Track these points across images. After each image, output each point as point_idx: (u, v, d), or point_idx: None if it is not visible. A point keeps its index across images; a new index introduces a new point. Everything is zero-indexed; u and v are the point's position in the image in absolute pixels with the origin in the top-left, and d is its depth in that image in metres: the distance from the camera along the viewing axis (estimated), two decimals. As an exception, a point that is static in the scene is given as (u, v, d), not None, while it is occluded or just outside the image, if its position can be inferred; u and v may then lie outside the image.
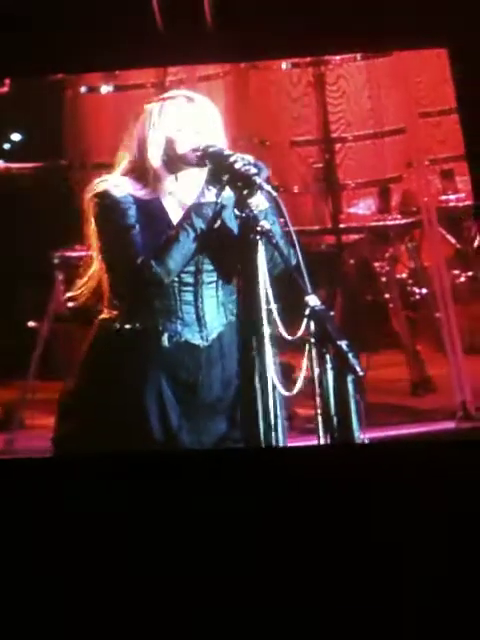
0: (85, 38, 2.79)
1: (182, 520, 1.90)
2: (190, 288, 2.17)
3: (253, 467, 2.00)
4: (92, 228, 2.19)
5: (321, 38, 2.86)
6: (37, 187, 3.82)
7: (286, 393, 2.12)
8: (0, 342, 3.71)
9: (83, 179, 2.33)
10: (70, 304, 2.30)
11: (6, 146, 3.96)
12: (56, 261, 3.55)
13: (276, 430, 2.10)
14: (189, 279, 2.17)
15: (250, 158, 2.17)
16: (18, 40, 2.80)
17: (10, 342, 3.70)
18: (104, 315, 2.19)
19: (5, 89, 3.82)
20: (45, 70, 3.21)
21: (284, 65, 3.79)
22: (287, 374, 2.24)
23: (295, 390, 2.11)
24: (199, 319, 2.17)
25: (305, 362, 2.09)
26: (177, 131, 2.19)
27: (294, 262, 2.14)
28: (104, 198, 2.16)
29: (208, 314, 2.18)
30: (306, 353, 2.10)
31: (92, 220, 2.18)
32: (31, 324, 3.70)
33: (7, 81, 3.81)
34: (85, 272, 2.23)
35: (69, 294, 2.30)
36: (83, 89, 3.82)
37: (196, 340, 2.17)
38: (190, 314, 2.16)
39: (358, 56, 3.78)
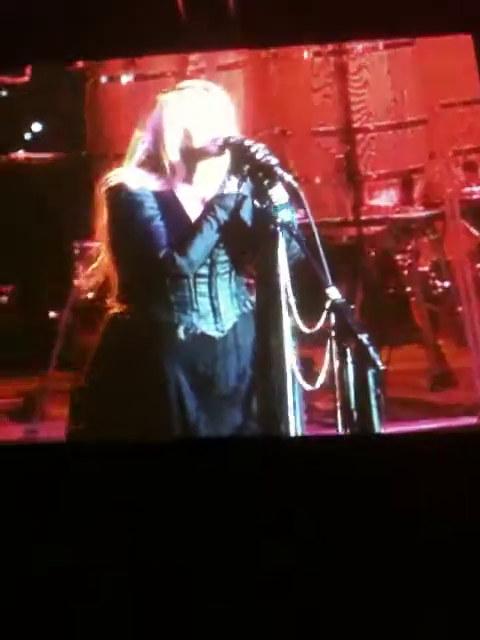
0: (106, 25, 2.78)
1: (198, 510, 1.89)
2: (205, 279, 2.15)
3: (270, 456, 1.99)
4: (104, 221, 2.18)
5: (343, 24, 2.82)
6: (57, 177, 3.82)
7: (308, 387, 2.10)
8: (21, 333, 3.73)
9: (103, 169, 2.31)
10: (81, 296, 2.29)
11: (27, 136, 3.97)
12: (76, 252, 3.55)
13: (295, 423, 2.09)
14: (204, 270, 2.15)
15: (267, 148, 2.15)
16: (38, 28, 2.79)
17: (31, 333, 3.71)
18: (115, 309, 2.18)
19: (25, 78, 3.81)
20: (66, 57, 3.20)
21: (305, 54, 3.75)
22: (307, 368, 2.22)
23: (317, 384, 2.10)
24: (214, 310, 2.16)
25: (326, 355, 2.07)
26: (193, 122, 2.17)
27: (314, 254, 2.12)
28: (120, 191, 2.15)
29: (222, 305, 2.17)
30: (327, 346, 2.08)
31: (106, 213, 2.17)
32: (52, 315, 3.71)
33: (27, 70, 3.80)
34: (90, 266, 2.21)
35: (76, 285, 2.29)
36: (103, 79, 3.80)
37: (211, 331, 2.16)
38: (205, 306, 2.15)
39: (380, 45, 3.73)
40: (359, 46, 3.70)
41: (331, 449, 2.01)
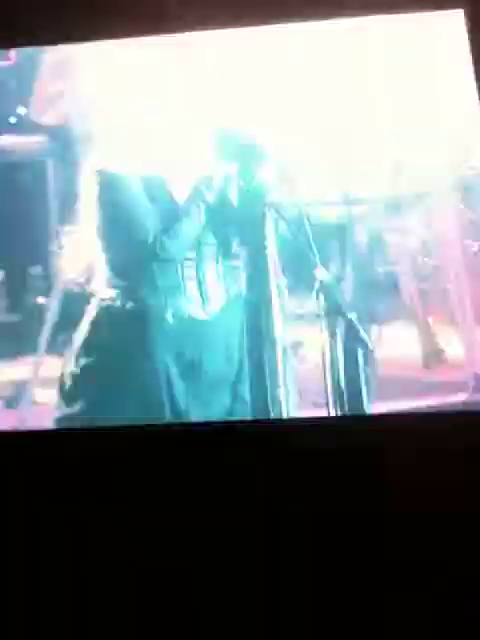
0: (92, 7, 2.75)
1: (190, 494, 1.90)
2: (192, 263, 2.16)
3: (262, 439, 1.99)
4: (91, 206, 2.17)
5: (335, 2, 2.79)
6: (43, 161, 3.79)
7: (299, 367, 2.10)
8: (8, 319, 3.71)
9: (89, 153, 2.29)
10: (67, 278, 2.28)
11: (12, 120, 3.93)
12: (63, 236, 3.53)
13: (287, 404, 2.09)
14: (191, 254, 2.16)
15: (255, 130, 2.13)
16: (22, 11, 2.75)
17: (18, 318, 3.70)
18: (102, 294, 2.18)
19: (11, 62, 3.77)
20: (52, 40, 3.17)
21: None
22: (297, 349, 2.23)
23: (308, 364, 2.10)
24: (202, 294, 2.17)
25: (316, 336, 2.07)
26: (181, 104, 2.16)
27: (302, 234, 2.11)
28: (107, 174, 2.14)
29: (210, 288, 2.18)
30: (317, 327, 2.08)
31: (93, 197, 2.16)
32: (40, 300, 3.69)
33: (12, 54, 3.75)
34: (77, 250, 2.20)
35: (63, 269, 2.29)
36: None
37: (199, 315, 2.16)
38: (192, 289, 2.17)
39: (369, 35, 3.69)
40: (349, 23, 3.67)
41: (323, 430, 2.02)
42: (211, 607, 1.79)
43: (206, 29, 3.39)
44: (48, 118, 3.76)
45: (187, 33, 3.43)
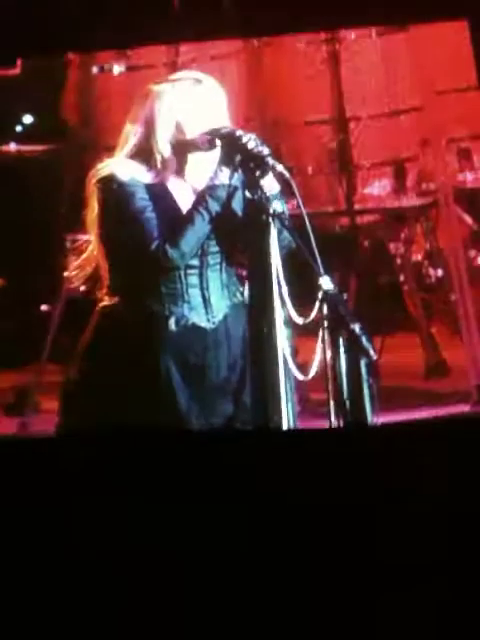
0: (98, 16, 2.76)
1: (190, 501, 1.89)
2: (195, 271, 2.15)
3: (263, 449, 1.99)
4: (95, 213, 2.17)
5: (336, 12, 2.80)
6: (48, 169, 3.81)
7: (301, 377, 2.10)
8: (13, 326, 3.72)
9: (94, 160, 2.31)
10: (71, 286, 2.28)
11: (18, 128, 3.95)
12: (68, 244, 3.55)
13: (287, 413, 2.09)
14: (195, 262, 2.15)
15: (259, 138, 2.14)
16: (30, 20, 2.77)
17: (23, 326, 3.71)
18: (105, 302, 2.17)
19: (17, 71, 3.79)
20: (58, 48, 3.18)
21: (298, 43, 3.73)
22: (298, 358, 2.22)
23: (310, 374, 2.09)
24: (205, 301, 2.16)
25: (319, 345, 2.07)
26: (186, 114, 2.16)
27: (306, 244, 2.11)
28: (111, 182, 2.14)
29: (213, 296, 2.17)
30: (319, 336, 2.08)
31: (96, 205, 2.16)
32: (44, 308, 3.70)
33: (18, 62, 3.78)
34: (80, 258, 2.21)
35: (67, 276, 2.29)
36: (94, 69, 3.79)
37: (203, 323, 2.16)
38: (196, 297, 2.15)
39: (373, 33, 3.71)
40: (352, 34, 3.69)
41: (324, 441, 2.01)
42: (211, 613, 1.79)
43: (213, 39, 3.41)
44: (64, 125, 3.78)
45: (197, 41, 3.46)
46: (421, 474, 1.95)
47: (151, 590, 1.81)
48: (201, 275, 2.15)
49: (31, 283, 3.81)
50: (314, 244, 2.09)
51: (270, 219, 2.11)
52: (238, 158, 2.13)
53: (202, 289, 2.16)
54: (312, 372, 2.10)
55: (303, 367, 2.14)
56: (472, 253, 3.79)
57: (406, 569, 1.87)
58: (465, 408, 3.31)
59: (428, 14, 2.89)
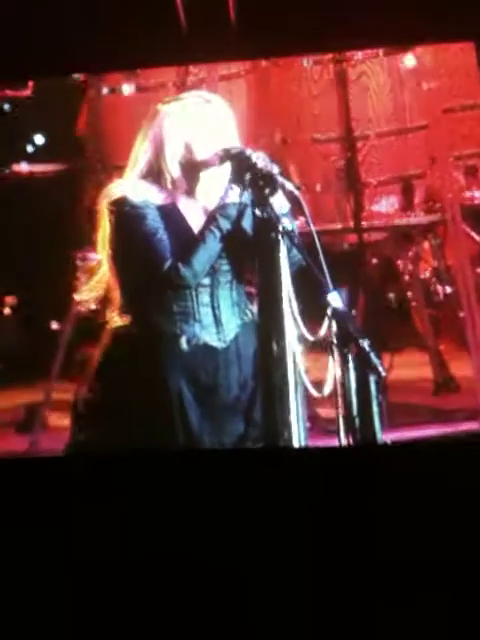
0: (107, 38, 2.80)
1: (201, 520, 1.89)
2: (206, 289, 2.16)
3: (275, 467, 1.99)
4: (107, 235, 2.18)
5: (344, 34, 2.84)
6: (59, 189, 3.84)
7: (317, 394, 2.10)
8: (23, 343, 3.74)
9: (104, 181, 2.33)
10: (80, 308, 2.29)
11: (29, 149, 3.99)
12: (78, 263, 3.57)
13: (298, 431, 2.09)
14: (206, 280, 2.16)
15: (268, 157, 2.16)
16: (40, 42, 2.81)
17: (33, 344, 3.72)
18: (117, 322, 2.18)
19: (28, 92, 3.84)
20: (68, 70, 3.23)
21: (305, 62, 3.76)
22: (307, 375, 2.22)
23: (325, 391, 2.09)
24: (216, 320, 2.17)
25: (330, 362, 2.07)
26: (195, 133, 2.18)
27: (315, 261, 2.12)
28: (122, 204, 2.15)
29: (224, 315, 2.18)
30: (329, 353, 2.08)
31: (108, 227, 2.17)
32: (54, 326, 3.72)
33: (30, 84, 3.83)
34: (91, 279, 2.22)
35: (77, 298, 2.30)
36: (105, 90, 3.82)
37: (214, 342, 2.17)
38: (207, 316, 2.16)
39: (380, 52, 3.74)
40: (359, 53, 3.72)
41: (335, 459, 2.01)
42: (223, 632, 1.78)
43: (221, 61, 3.45)
44: (75, 146, 3.82)
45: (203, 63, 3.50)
46: (430, 492, 1.95)
47: (163, 606, 1.81)
48: (212, 294, 2.16)
49: (41, 301, 3.84)
50: (323, 261, 2.10)
51: (280, 236, 2.12)
52: (248, 177, 2.14)
53: (213, 308, 2.17)
54: (327, 389, 2.10)
55: (314, 384, 2.14)
56: (479, 270, 3.80)
57: (414, 585, 1.87)
58: (474, 425, 3.30)
59: (435, 36, 2.93)
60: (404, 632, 1.82)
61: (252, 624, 1.79)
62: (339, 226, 3.77)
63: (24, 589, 1.86)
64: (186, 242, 2.15)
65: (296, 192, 2.14)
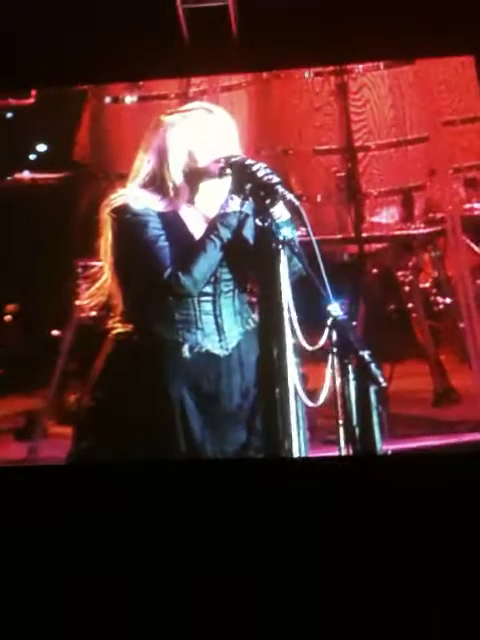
0: (111, 49, 2.82)
1: (203, 529, 1.89)
2: (209, 298, 2.17)
3: (275, 477, 1.99)
4: (108, 242, 2.19)
5: (345, 47, 2.86)
6: (62, 197, 3.85)
7: (311, 404, 2.11)
8: (24, 351, 3.74)
9: (107, 190, 2.34)
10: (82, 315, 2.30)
11: (32, 157, 4.00)
12: (79, 270, 3.58)
13: (298, 440, 2.09)
14: (208, 289, 2.17)
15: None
16: (44, 51, 2.83)
17: (34, 351, 3.73)
18: (119, 329, 2.19)
19: (31, 100, 3.86)
20: (71, 80, 3.25)
21: (306, 74, 3.79)
22: (308, 385, 2.23)
23: (320, 401, 2.10)
24: (218, 328, 2.17)
25: (328, 372, 2.08)
26: (197, 144, 2.20)
27: (315, 271, 2.13)
28: (125, 213, 2.16)
29: (226, 323, 2.18)
30: (328, 363, 2.09)
31: (110, 234, 2.18)
32: (55, 333, 3.73)
33: (33, 92, 3.85)
34: (93, 286, 2.23)
35: (79, 304, 2.30)
36: (107, 99, 3.85)
37: (216, 350, 2.17)
38: (209, 324, 2.17)
39: (381, 65, 3.77)
40: (360, 66, 3.75)
41: (335, 469, 2.01)
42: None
43: (223, 73, 3.48)
44: (77, 154, 3.84)
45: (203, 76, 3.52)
46: (429, 501, 1.95)
47: (164, 615, 1.81)
48: (214, 302, 2.17)
49: (42, 308, 3.84)
50: (324, 271, 2.11)
51: (280, 246, 2.14)
52: (249, 186, 2.16)
53: (216, 316, 2.17)
54: (321, 399, 2.10)
55: (312, 394, 2.14)
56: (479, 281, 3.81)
57: (414, 594, 1.87)
58: (474, 436, 3.30)
59: (435, 50, 2.95)
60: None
61: (254, 632, 1.79)
62: (339, 236, 3.78)
63: (23, 596, 1.86)
64: (187, 250, 2.16)
65: (296, 202, 2.15)
